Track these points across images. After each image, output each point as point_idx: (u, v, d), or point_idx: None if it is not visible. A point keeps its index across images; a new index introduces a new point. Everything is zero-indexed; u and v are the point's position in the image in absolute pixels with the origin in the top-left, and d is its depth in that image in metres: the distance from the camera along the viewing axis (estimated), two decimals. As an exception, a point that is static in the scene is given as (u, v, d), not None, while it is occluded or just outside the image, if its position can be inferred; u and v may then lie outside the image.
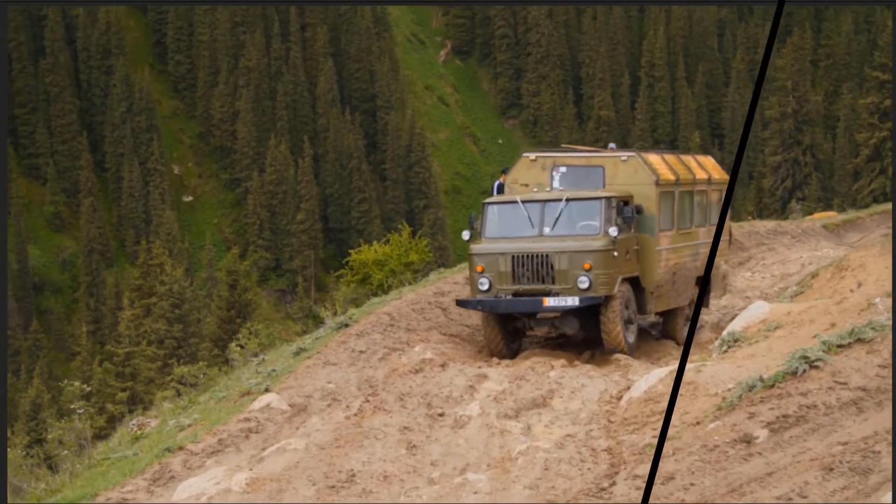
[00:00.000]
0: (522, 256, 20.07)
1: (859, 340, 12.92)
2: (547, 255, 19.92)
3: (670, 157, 23.00)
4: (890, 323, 13.14)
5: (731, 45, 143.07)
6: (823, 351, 12.74)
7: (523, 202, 20.64)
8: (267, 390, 17.80)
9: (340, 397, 17.17)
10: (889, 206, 49.98)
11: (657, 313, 22.55)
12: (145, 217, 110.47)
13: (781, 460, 10.90)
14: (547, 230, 20.33)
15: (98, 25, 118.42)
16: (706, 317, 24.42)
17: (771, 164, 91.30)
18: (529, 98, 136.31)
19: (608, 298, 19.85)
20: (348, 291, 32.76)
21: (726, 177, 24.95)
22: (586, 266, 19.66)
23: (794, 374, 12.49)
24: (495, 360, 20.45)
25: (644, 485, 11.27)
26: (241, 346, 27.76)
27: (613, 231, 19.69)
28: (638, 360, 19.79)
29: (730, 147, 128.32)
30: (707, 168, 24.31)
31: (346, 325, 21.22)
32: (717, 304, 26.25)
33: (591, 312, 20.35)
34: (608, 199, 20.27)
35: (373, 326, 20.84)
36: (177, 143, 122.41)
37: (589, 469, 12.65)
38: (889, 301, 14.56)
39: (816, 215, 51.85)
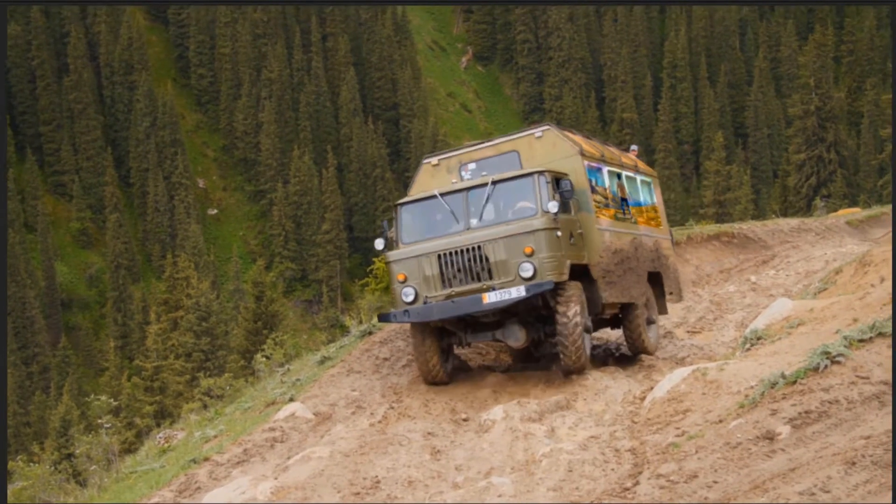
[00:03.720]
0: (450, 253, 17.20)
1: (881, 335, 12.88)
2: (479, 247, 17.06)
3: (593, 140, 20.68)
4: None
5: (752, 44, 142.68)
6: (845, 346, 12.71)
7: (442, 195, 17.83)
8: (291, 400, 17.85)
9: (365, 405, 17.20)
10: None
11: (611, 319, 20.24)
12: (171, 231, 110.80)
13: (804, 456, 10.88)
14: (475, 221, 17.54)
15: (120, 41, 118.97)
16: (665, 321, 23.47)
17: (795, 162, 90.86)
18: (552, 102, 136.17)
19: (559, 286, 17.21)
20: (373, 300, 32.74)
21: (652, 171, 23.00)
22: (527, 250, 16.88)
23: (816, 369, 12.46)
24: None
25: (667, 483, 11.27)
26: (267, 357, 27.78)
27: (553, 206, 16.99)
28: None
29: (753, 146, 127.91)
30: (630, 158, 21.87)
31: (370, 333, 20.76)
32: (698, 306, 26.18)
33: (538, 319, 17.96)
34: (540, 173, 17.54)
35: (396, 334, 20.34)
36: (201, 156, 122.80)
37: (612, 469, 12.64)
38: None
39: (840, 212, 51.58)
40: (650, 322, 20.53)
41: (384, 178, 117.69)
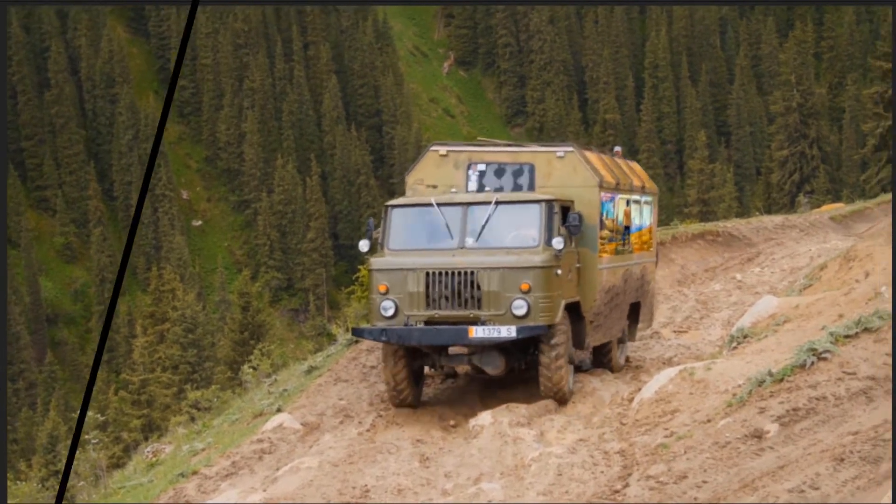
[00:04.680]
0: (440, 274, 15.90)
1: (866, 330, 12.90)
2: (473, 273, 15.81)
3: (606, 158, 19.16)
4: (897, 311, 13.10)
5: (733, 43, 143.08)
6: (831, 342, 12.72)
7: (439, 205, 16.52)
8: (279, 410, 17.79)
9: (353, 413, 17.12)
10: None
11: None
12: (155, 243, 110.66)
13: (793, 453, 10.88)
14: (470, 241, 16.25)
15: (101, 54, 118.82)
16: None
17: (778, 159, 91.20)
18: (535, 105, 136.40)
19: (550, 329, 15.99)
20: (359, 307, 32.70)
21: (655, 187, 21.51)
22: (524, 287, 15.69)
23: (803, 366, 12.47)
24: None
25: (657, 485, 11.25)
26: (254, 368, 27.71)
27: (558, 243, 15.86)
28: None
29: (736, 144, 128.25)
30: (637, 174, 20.65)
31: (357, 342, 20.40)
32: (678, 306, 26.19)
33: (519, 347, 16.68)
34: (549, 202, 16.39)
35: (383, 341, 20.28)
36: (184, 167, 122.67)
37: (602, 472, 12.62)
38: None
39: (824, 207, 51.80)
40: (621, 343, 19.63)
41: (368, 185, 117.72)
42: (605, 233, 17.82)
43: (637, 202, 19.75)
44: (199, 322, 67.00)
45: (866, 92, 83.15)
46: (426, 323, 15.98)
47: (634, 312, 20.08)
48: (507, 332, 15.49)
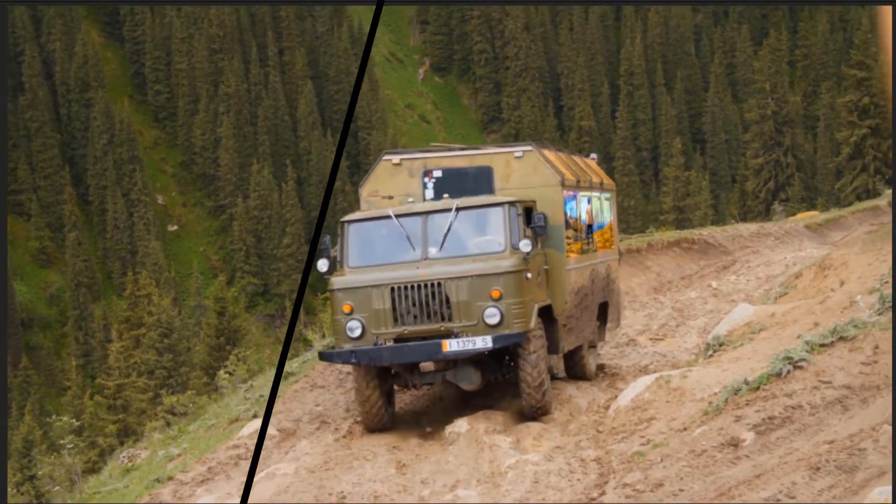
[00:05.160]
0: (405, 288, 15.33)
1: (842, 339, 12.97)
2: (440, 284, 15.26)
3: (563, 155, 18.66)
4: (872, 320, 13.18)
5: (708, 50, 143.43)
6: (807, 351, 12.80)
7: (398, 216, 15.89)
8: (255, 416, 17.79)
9: (329, 420, 17.12)
10: (870, 203, 50.15)
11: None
12: (131, 248, 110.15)
13: (769, 462, 10.93)
14: (433, 251, 15.68)
15: (76, 59, 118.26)
16: (628, 329, 23.15)
17: (753, 167, 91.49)
18: (510, 112, 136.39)
19: (526, 336, 15.44)
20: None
21: (612, 183, 21.17)
22: (494, 294, 15.14)
23: (779, 375, 12.54)
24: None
25: (633, 493, 11.28)
26: (230, 374, 27.66)
27: (525, 245, 15.30)
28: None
29: (711, 151, 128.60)
30: (594, 171, 20.21)
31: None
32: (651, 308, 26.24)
33: (495, 358, 16.11)
34: (512, 204, 15.83)
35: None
36: (160, 172, 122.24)
37: (578, 480, 12.65)
38: (870, 299, 14.59)
39: (799, 216, 52.05)
40: (591, 347, 19.21)
41: (344, 191, 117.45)
42: (570, 232, 17.37)
43: (598, 199, 19.38)
44: (175, 327, 66.83)
45: (841, 100, 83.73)
46: (395, 340, 15.41)
47: (603, 313, 19.68)
48: (483, 342, 14.95)
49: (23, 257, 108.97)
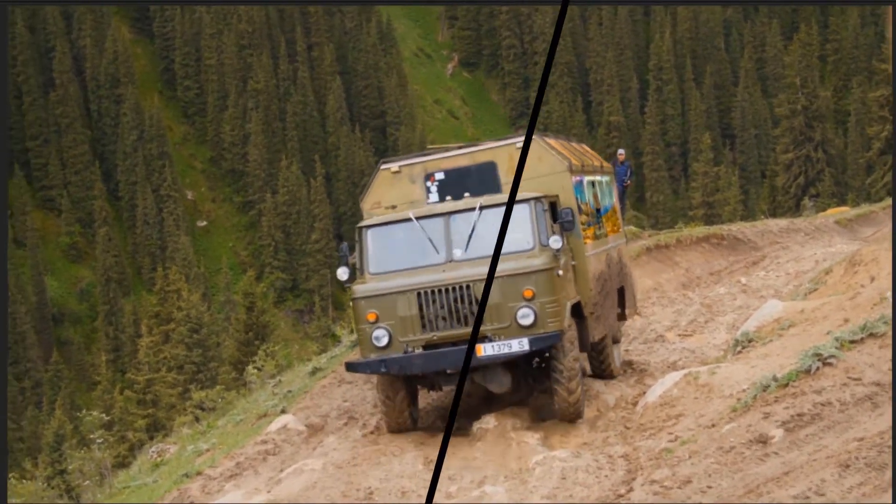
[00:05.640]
0: (433, 292, 14.67)
1: (872, 335, 12.86)
2: (468, 286, 14.55)
3: (564, 142, 18.04)
4: (902, 316, 13.07)
5: (737, 45, 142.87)
6: (836, 347, 12.69)
7: (418, 218, 15.29)
8: (283, 412, 17.81)
9: (357, 415, 17.13)
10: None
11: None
12: (160, 244, 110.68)
13: (797, 459, 10.85)
14: (458, 252, 15.01)
15: (106, 55, 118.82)
16: (657, 325, 22.83)
17: (783, 162, 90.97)
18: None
19: (560, 337, 14.73)
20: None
21: (608, 165, 20.60)
22: (527, 293, 14.50)
23: (808, 371, 12.44)
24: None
25: (661, 489, 11.24)
26: (259, 369, 27.73)
27: (556, 242, 14.73)
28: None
29: (741, 147, 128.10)
30: (592, 155, 19.68)
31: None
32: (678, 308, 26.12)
33: (525, 359, 15.42)
34: (538, 200, 15.27)
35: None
36: (189, 168, 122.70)
37: (606, 476, 12.60)
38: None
39: (829, 211, 51.67)
40: (615, 342, 18.81)
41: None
42: (583, 217, 16.72)
43: (600, 182, 18.79)
44: (204, 322, 67.07)
45: (872, 95, 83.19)
46: (424, 347, 14.82)
47: (620, 298, 19.18)
48: (520, 345, 14.30)
49: (53, 253, 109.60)
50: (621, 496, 11.66)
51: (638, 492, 11.48)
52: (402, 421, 15.51)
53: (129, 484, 17.98)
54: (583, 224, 16.53)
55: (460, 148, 17.00)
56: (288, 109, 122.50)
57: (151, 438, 37.81)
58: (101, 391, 68.84)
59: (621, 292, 19.17)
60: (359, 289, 15.13)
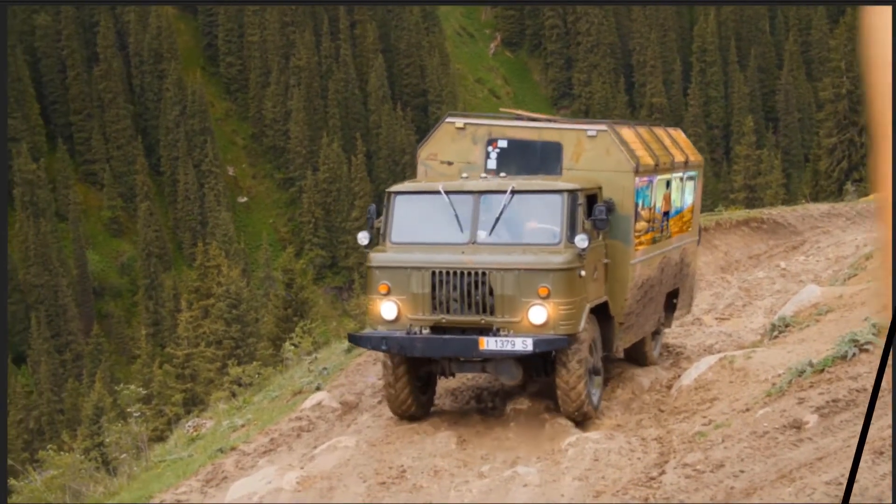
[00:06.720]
0: (448, 273, 14.04)
1: (910, 322, 12.75)
2: (484, 274, 13.90)
3: (644, 132, 16.93)
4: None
5: (783, 28, 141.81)
6: (873, 334, 12.61)
7: (448, 192, 14.53)
8: (318, 389, 17.88)
9: (391, 393, 17.15)
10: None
11: None
12: (201, 219, 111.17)
13: (831, 445, 10.80)
14: (482, 235, 14.27)
15: (149, 30, 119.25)
16: (694, 308, 21.83)
17: (826, 146, 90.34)
18: (581, 88, 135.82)
19: (571, 341, 14.02)
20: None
21: (700, 158, 19.51)
22: (542, 291, 13.73)
23: (844, 357, 12.38)
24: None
25: (693, 473, 11.22)
26: (295, 346, 27.82)
27: (582, 241, 13.88)
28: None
29: (784, 130, 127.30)
30: (681, 146, 18.57)
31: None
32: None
33: (538, 354, 14.31)
34: (573, 192, 14.32)
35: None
36: (230, 144, 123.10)
37: (639, 458, 12.60)
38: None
39: (872, 196, 51.29)
40: (656, 334, 18.21)
41: (413, 165, 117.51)
42: (641, 224, 15.87)
43: (679, 180, 17.82)
44: (244, 298, 67.31)
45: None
46: (432, 329, 14.24)
47: (672, 300, 18.59)
48: (523, 345, 13.65)
49: (95, 226, 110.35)
50: (653, 479, 11.65)
51: (670, 475, 11.47)
52: (403, 406, 15.02)
53: (165, 458, 18.09)
54: (638, 231, 15.77)
55: (531, 119, 16.33)
56: (330, 87, 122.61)
57: (188, 413, 38.04)
58: (140, 365, 69.22)
59: (674, 293, 18.60)
60: (375, 257, 14.76)
